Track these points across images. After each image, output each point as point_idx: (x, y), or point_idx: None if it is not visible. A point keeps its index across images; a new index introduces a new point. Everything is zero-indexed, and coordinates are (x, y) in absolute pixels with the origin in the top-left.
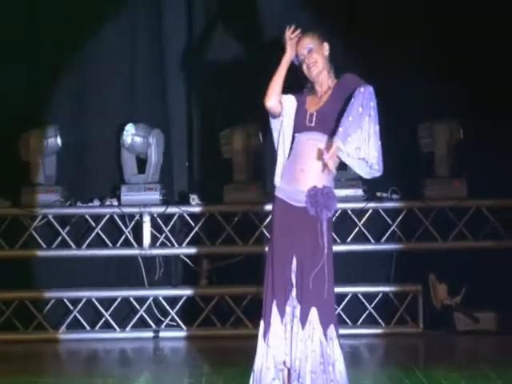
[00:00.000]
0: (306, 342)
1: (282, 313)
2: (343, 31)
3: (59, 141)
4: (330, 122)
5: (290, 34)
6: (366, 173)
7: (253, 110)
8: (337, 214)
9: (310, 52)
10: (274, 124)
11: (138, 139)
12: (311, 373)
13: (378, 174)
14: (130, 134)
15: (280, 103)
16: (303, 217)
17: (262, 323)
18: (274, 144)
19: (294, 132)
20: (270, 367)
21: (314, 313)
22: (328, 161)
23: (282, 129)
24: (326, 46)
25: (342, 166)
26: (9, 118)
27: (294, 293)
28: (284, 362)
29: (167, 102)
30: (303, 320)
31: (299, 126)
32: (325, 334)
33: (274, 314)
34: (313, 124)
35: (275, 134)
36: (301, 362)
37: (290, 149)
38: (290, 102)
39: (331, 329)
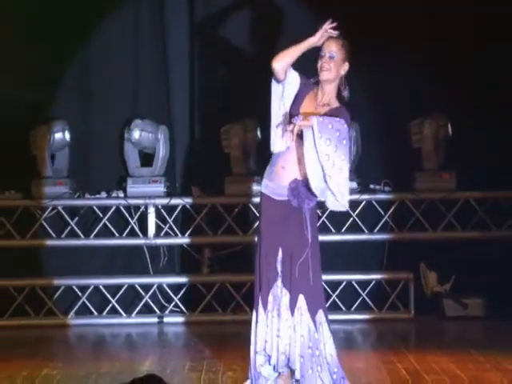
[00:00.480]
0: (294, 327)
1: (264, 303)
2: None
3: (67, 136)
4: None
5: (328, 28)
6: (317, 187)
7: (252, 107)
8: (316, 212)
9: (331, 58)
10: (275, 90)
11: (146, 134)
12: (300, 357)
13: (342, 208)
14: (139, 130)
15: (285, 72)
16: (287, 209)
17: (254, 313)
18: (272, 110)
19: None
20: (259, 353)
21: (301, 300)
22: (296, 126)
23: (283, 99)
24: (347, 66)
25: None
26: (20, 115)
27: (279, 282)
28: (265, 348)
29: (170, 99)
30: (292, 307)
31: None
32: (313, 320)
33: (259, 304)
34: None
35: (275, 104)
36: (290, 346)
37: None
38: (294, 79)
39: (320, 314)
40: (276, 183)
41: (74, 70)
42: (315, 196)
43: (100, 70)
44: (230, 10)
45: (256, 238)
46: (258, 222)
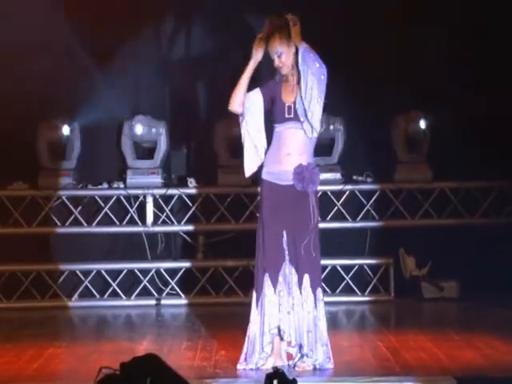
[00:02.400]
0: (302, 305)
1: (274, 283)
2: (324, 38)
3: (72, 130)
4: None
5: (260, 36)
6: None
7: None
8: (318, 195)
9: (280, 56)
10: (241, 122)
11: (148, 129)
12: (308, 332)
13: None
14: (141, 125)
15: (242, 105)
16: (290, 194)
17: (254, 294)
18: (243, 138)
19: (273, 123)
20: (266, 332)
21: (306, 279)
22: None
23: (246, 127)
24: (292, 46)
25: (325, 152)
26: (27, 110)
27: (287, 263)
28: (279, 327)
29: (167, 97)
30: (300, 286)
31: (279, 118)
32: (314, 297)
33: (267, 285)
34: (292, 115)
35: (242, 131)
36: (299, 322)
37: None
38: (255, 100)
39: (319, 291)
40: (280, 169)
41: (78, 68)
42: (318, 179)
43: (102, 69)
44: (230, 13)
45: (257, 224)
46: (259, 208)
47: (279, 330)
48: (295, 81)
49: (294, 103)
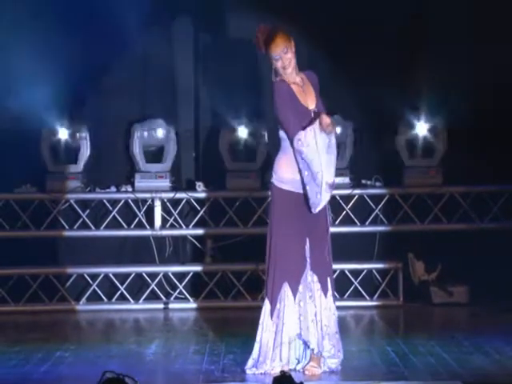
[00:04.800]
0: (329, 308)
1: (294, 292)
2: (331, 43)
3: (81, 133)
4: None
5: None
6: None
7: (252, 109)
8: None
9: (287, 53)
10: None
11: (153, 133)
12: (336, 333)
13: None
14: (147, 129)
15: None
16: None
17: (267, 303)
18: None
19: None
20: (285, 342)
21: (329, 282)
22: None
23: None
24: (292, 41)
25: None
26: (35, 113)
27: (308, 270)
28: (300, 335)
29: (177, 101)
30: (325, 290)
31: (305, 125)
32: (335, 299)
33: (286, 295)
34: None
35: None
36: (327, 327)
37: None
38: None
39: (334, 295)
40: (299, 179)
41: (87, 72)
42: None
43: (112, 72)
44: (232, 17)
45: (269, 232)
46: (274, 217)
47: (304, 341)
48: (301, 81)
49: (317, 108)
